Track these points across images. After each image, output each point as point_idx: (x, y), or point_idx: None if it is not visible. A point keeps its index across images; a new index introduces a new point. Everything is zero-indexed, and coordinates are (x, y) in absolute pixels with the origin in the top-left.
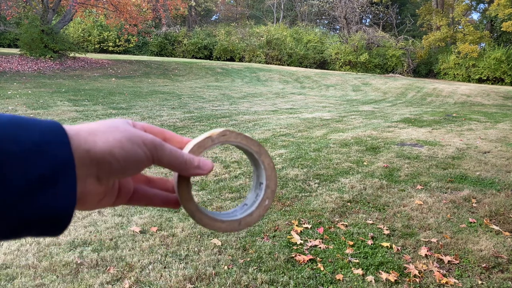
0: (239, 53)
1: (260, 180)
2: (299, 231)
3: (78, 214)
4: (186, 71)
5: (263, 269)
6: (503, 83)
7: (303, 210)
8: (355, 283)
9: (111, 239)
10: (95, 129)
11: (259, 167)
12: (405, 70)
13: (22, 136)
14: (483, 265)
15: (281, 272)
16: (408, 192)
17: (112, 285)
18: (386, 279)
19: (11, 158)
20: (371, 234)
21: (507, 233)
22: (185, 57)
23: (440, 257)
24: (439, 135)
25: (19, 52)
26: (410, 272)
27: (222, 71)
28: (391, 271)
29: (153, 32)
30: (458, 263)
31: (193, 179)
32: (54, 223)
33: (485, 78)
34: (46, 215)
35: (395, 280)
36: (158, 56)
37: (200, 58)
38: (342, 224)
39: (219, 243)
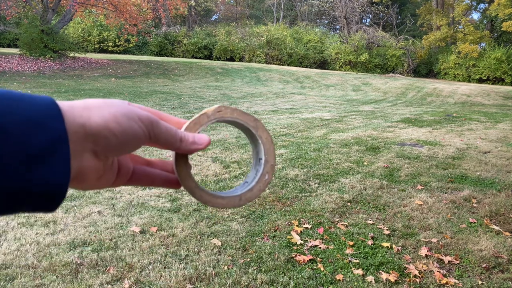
0: (239, 53)
1: (259, 156)
2: (299, 231)
3: (78, 214)
4: (186, 71)
5: (263, 269)
6: (503, 83)
7: (303, 210)
8: (355, 283)
9: (111, 239)
10: (90, 104)
11: (257, 143)
12: (405, 70)
13: (14, 109)
14: (483, 265)
15: (281, 272)
16: (408, 192)
17: (112, 285)
18: (386, 279)
19: (2, 133)
20: (371, 234)
21: (507, 233)
22: (185, 57)
23: (441, 257)
24: (439, 135)
25: (19, 52)
26: (410, 272)
27: (222, 71)
28: (391, 271)
29: (153, 32)
30: (458, 263)
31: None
32: (48, 199)
33: (485, 78)
34: (39, 191)
35: (395, 280)
36: (158, 56)
37: (200, 58)
38: (342, 224)
39: (219, 243)
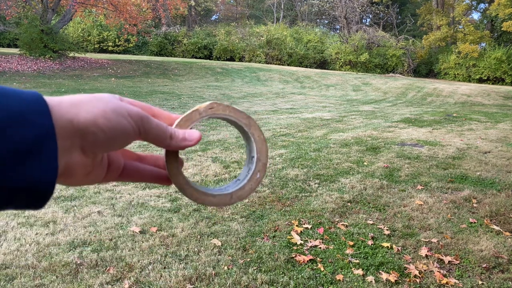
0: (239, 53)
1: (251, 154)
2: (299, 231)
3: (78, 214)
4: (186, 71)
5: (263, 269)
6: (503, 83)
7: (303, 210)
8: (355, 283)
9: (111, 239)
10: (78, 100)
11: (250, 141)
12: (406, 70)
13: (1, 105)
14: (483, 265)
15: (281, 272)
16: (409, 192)
17: (111, 285)
18: (387, 280)
19: None
20: (372, 234)
21: (507, 233)
22: (185, 57)
23: (441, 257)
24: (440, 135)
25: (19, 52)
26: (411, 272)
27: (222, 71)
28: (391, 272)
29: (153, 32)
30: (458, 264)
31: (193, 179)
32: (36, 196)
33: (485, 78)
34: (25, 188)
35: (395, 280)
36: (157, 56)
37: (200, 58)
38: (342, 224)
39: (219, 243)
